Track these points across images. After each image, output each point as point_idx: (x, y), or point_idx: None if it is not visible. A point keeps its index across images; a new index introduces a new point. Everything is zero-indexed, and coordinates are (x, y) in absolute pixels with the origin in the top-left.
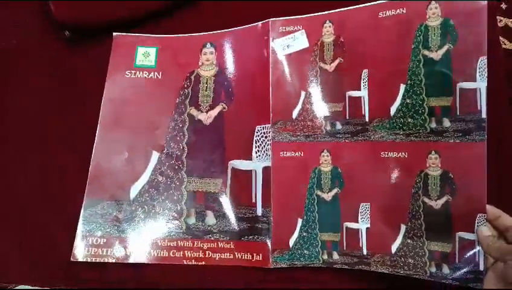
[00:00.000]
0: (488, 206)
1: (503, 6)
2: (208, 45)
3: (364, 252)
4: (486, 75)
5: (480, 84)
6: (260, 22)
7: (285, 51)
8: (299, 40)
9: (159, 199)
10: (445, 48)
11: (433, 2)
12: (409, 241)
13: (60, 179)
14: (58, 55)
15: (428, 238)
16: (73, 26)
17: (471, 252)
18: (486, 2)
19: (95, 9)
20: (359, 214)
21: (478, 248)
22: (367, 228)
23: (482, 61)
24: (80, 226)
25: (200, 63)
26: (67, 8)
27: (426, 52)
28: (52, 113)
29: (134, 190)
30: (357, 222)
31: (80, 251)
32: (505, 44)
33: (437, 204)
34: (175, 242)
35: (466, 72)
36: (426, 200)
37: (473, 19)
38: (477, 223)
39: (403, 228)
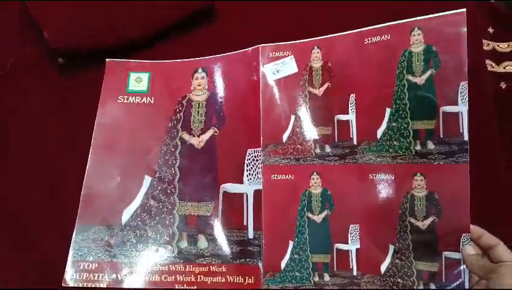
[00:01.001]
0: (471, 226)
1: (491, 30)
2: (200, 70)
3: (355, 273)
4: (467, 99)
5: (462, 108)
6: (250, 48)
7: (275, 75)
8: (289, 65)
9: (151, 223)
10: (428, 73)
11: (416, 28)
12: (397, 261)
13: (51, 203)
14: (52, 82)
15: (416, 258)
16: (66, 53)
17: (457, 271)
18: (465, 30)
19: (88, 37)
20: (349, 235)
21: (463, 266)
22: (357, 249)
23: (463, 86)
24: (72, 251)
25: (191, 88)
26: (60, 35)
27: (410, 77)
28: (45, 138)
29: (126, 215)
30: (347, 243)
31: (71, 276)
32: (492, 67)
33: (423, 224)
34: (167, 267)
35: (448, 96)
36: (413, 220)
37: (453, 45)
38: (462, 242)
39: (391, 248)
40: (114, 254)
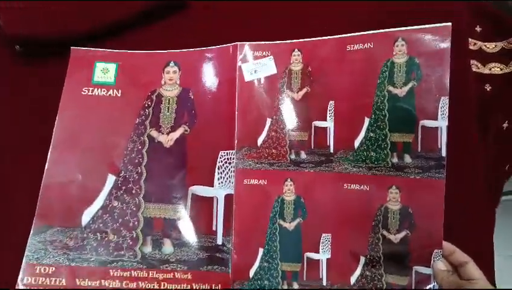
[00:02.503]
0: (444, 243)
1: (478, 29)
2: (172, 64)
3: (324, 283)
4: (447, 114)
5: (442, 123)
6: (228, 44)
7: (252, 75)
8: (267, 66)
9: (113, 225)
10: (410, 85)
11: (400, 39)
12: (367, 273)
13: (7, 202)
14: (8, 71)
15: (387, 270)
16: (24, 40)
17: (427, 286)
18: (449, 45)
19: (49, 23)
20: (320, 244)
21: (433, 282)
22: (327, 259)
23: (444, 101)
24: (27, 253)
25: (162, 82)
26: (16, 21)
27: (391, 88)
28: (2, 132)
29: (86, 216)
30: (318, 252)
31: (25, 280)
32: (478, 68)
33: (396, 238)
34: (128, 272)
35: (428, 110)
36: (385, 233)
37: (436, 59)
38: (434, 258)
39: (362, 259)
40: (72, 257)
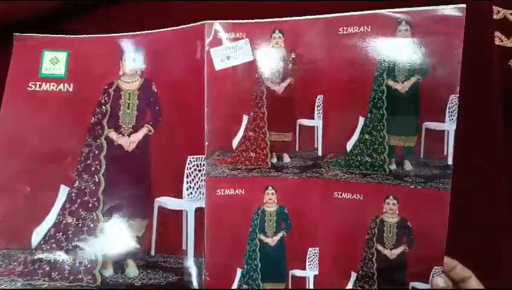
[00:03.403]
0: (445, 258)
1: None
2: (130, 49)
3: None
4: (456, 116)
5: (449, 126)
6: (193, 24)
7: (224, 63)
8: (242, 51)
9: (68, 245)
10: (413, 79)
11: (403, 22)
12: None
13: None
14: None
15: (380, 287)
16: None
17: None
18: (462, 32)
19: None
20: (307, 260)
21: None
22: (315, 276)
23: (453, 100)
24: None
25: (120, 73)
26: None
27: (391, 83)
28: None
29: (37, 235)
30: (304, 269)
31: None
32: (501, 41)
33: (392, 254)
34: None
35: (434, 110)
36: (380, 248)
37: (446, 49)
38: (433, 273)
39: (353, 275)
40: (22, 284)
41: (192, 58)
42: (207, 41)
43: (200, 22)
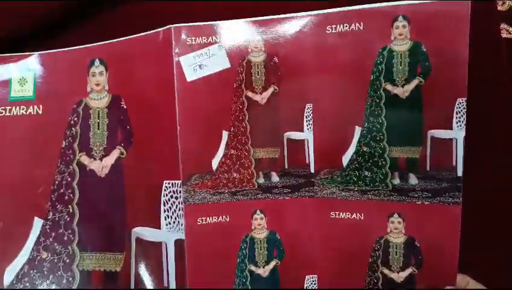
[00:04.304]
0: (458, 276)
1: None
2: (97, 62)
3: None
4: (464, 122)
5: (458, 133)
6: (159, 29)
7: (196, 73)
8: (217, 58)
9: (43, 284)
10: (415, 82)
11: (400, 18)
12: None
13: None
14: None
15: None
16: None
17: None
18: (467, 26)
19: None
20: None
21: None
22: None
23: (461, 104)
24: None
25: (88, 89)
26: None
27: (389, 87)
28: None
29: (9, 274)
30: None
31: None
32: (509, 33)
33: (399, 277)
34: None
35: (440, 116)
36: (386, 272)
37: (451, 46)
38: None
39: None
40: None
41: (161, 69)
42: (176, 47)
43: (166, 27)
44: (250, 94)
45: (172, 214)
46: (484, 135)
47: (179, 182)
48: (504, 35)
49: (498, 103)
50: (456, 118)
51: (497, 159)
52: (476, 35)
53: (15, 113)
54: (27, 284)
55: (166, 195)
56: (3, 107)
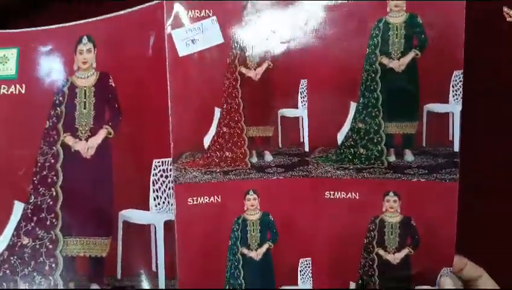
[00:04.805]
0: (455, 258)
1: None
2: (85, 40)
3: None
4: (461, 95)
5: (454, 107)
6: (150, 3)
7: (189, 47)
8: (210, 32)
9: (24, 270)
10: (411, 55)
11: None
12: None
13: None
14: None
15: None
16: None
17: None
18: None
19: None
20: (299, 273)
21: None
22: None
23: (458, 77)
24: None
25: (75, 68)
26: None
27: (385, 60)
28: None
29: None
30: (296, 284)
31: None
32: (510, 16)
33: (395, 258)
34: None
35: (436, 90)
36: (382, 252)
37: (447, 17)
38: (440, 274)
39: (352, 285)
40: None
41: (152, 45)
42: (167, 22)
43: (158, 1)
44: (243, 70)
45: (162, 194)
46: (482, 109)
47: (169, 160)
48: (508, 18)
49: (496, 77)
50: (453, 91)
51: (494, 133)
52: (478, 15)
53: None
54: (7, 271)
55: (156, 174)
56: None
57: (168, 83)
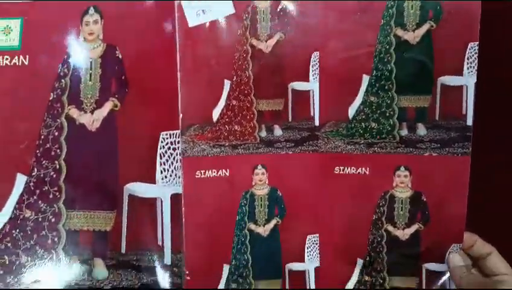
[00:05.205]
0: (465, 234)
1: None
2: (91, 10)
3: None
4: (476, 68)
5: (468, 80)
6: None
7: (199, 18)
8: (221, 3)
9: (26, 244)
10: (426, 27)
11: None
12: (366, 278)
13: None
14: None
15: (391, 273)
16: None
17: (441, 286)
18: None
19: None
20: (305, 250)
21: (447, 276)
22: (316, 268)
23: (473, 49)
24: None
25: (81, 39)
26: None
27: (400, 32)
28: None
29: None
30: (303, 261)
31: None
32: None
33: (404, 234)
34: None
35: (451, 63)
36: (391, 229)
37: None
38: (449, 251)
39: (360, 262)
40: None
41: (160, 14)
42: None
43: None
44: (254, 42)
45: (169, 167)
46: (496, 82)
47: (178, 132)
48: None
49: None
50: (467, 63)
51: (508, 107)
52: None
53: None
54: (9, 244)
55: (163, 147)
56: None
57: (178, 54)
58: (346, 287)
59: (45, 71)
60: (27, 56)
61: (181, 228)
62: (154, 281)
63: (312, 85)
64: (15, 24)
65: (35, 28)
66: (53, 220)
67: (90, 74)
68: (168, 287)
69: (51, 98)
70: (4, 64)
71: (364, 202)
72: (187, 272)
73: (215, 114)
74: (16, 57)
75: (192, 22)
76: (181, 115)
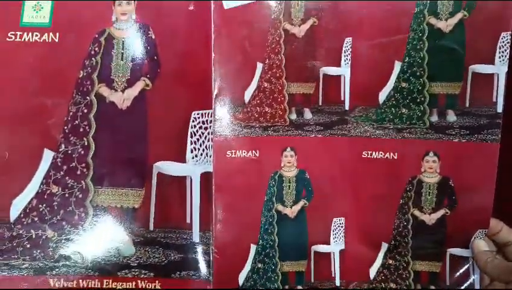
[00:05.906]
0: (491, 220)
1: None
2: None
3: (338, 283)
4: (507, 57)
5: (500, 68)
6: None
7: (235, 1)
8: None
9: (53, 219)
10: (459, 16)
11: None
12: (390, 261)
13: None
14: None
15: (414, 257)
16: None
17: (464, 271)
18: None
19: None
20: (331, 232)
21: (473, 265)
22: (341, 251)
23: (505, 39)
24: None
25: (113, 19)
26: None
27: (433, 21)
28: None
29: (15, 208)
30: (328, 243)
31: None
32: None
33: (431, 219)
34: (75, 282)
35: (483, 51)
36: (417, 213)
37: None
38: (474, 237)
39: (385, 246)
40: None
41: None
42: None
43: None
44: (288, 26)
45: (200, 146)
46: None
47: (210, 112)
48: None
49: None
50: (499, 52)
51: None
52: None
53: (27, 40)
54: (35, 219)
55: (195, 126)
56: (13, 32)
57: (212, 35)
58: (371, 271)
59: (75, 49)
60: (57, 33)
61: (210, 206)
62: (182, 259)
63: (343, 70)
64: (46, 3)
65: (67, 7)
66: (80, 196)
67: (122, 54)
68: (196, 265)
69: (80, 76)
70: (34, 40)
71: (391, 187)
72: (215, 251)
73: (247, 95)
74: (46, 34)
75: (227, 5)
76: (214, 95)
